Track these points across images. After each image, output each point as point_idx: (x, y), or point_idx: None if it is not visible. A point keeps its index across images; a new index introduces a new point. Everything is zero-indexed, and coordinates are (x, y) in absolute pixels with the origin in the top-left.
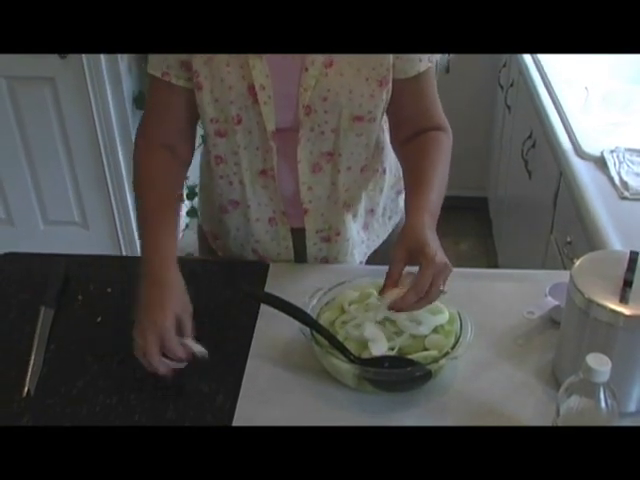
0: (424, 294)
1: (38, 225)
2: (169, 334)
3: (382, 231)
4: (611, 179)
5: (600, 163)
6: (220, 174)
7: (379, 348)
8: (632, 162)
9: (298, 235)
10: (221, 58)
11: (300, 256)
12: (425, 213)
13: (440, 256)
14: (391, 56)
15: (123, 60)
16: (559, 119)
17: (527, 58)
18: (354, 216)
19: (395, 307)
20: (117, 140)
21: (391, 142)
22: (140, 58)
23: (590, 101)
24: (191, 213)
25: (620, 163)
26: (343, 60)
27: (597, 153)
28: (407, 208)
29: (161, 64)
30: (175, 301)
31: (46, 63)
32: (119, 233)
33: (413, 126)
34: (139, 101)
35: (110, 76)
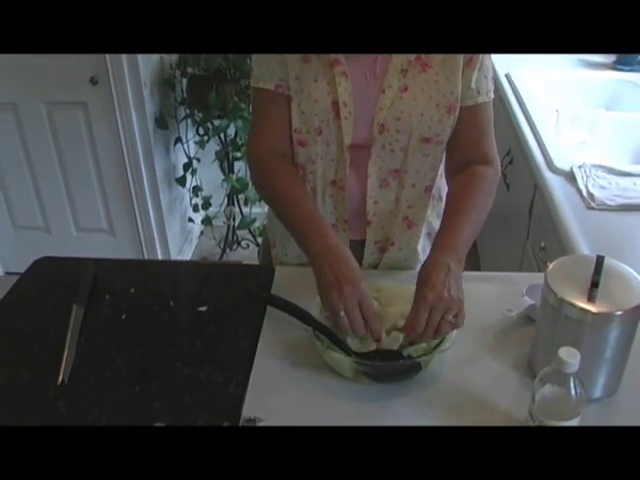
0: (427, 332)
1: (71, 232)
2: (368, 295)
3: None
4: (579, 191)
5: (570, 177)
6: (303, 180)
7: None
8: (597, 176)
9: (355, 245)
10: (310, 75)
11: None
12: (446, 252)
13: (445, 292)
14: (460, 86)
15: (146, 86)
16: (534, 138)
17: (506, 85)
18: (412, 231)
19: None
20: (140, 156)
21: (445, 171)
22: (161, 84)
23: (561, 123)
24: (206, 221)
25: (587, 177)
26: (417, 86)
27: (567, 168)
28: (433, 244)
29: (273, 78)
30: (357, 269)
31: (79, 89)
32: (141, 239)
33: (464, 155)
34: (160, 122)
35: (135, 100)
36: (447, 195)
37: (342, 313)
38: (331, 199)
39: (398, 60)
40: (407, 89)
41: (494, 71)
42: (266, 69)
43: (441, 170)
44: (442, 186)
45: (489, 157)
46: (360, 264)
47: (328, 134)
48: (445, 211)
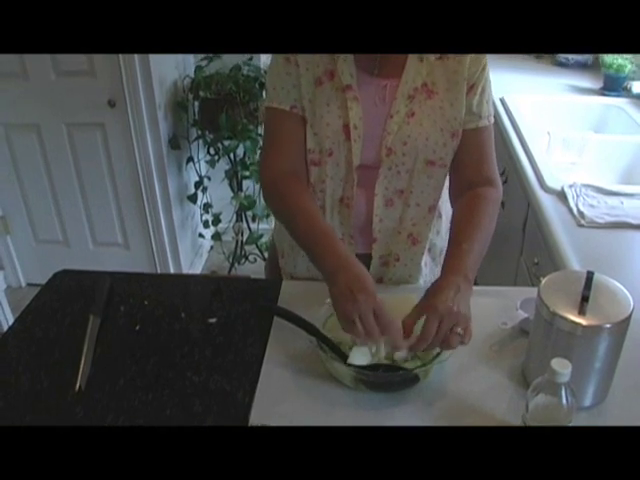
0: (435, 342)
1: (88, 245)
2: (382, 306)
3: (438, 270)
4: (570, 210)
5: (561, 196)
6: (315, 199)
7: (358, 359)
8: (587, 195)
9: (360, 258)
10: (323, 98)
11: None
12: (455, 274)
13: (454, 307)
14: (463, 112)
15: (161, 109)
16: (527, 159)
17: (500, 109)
18: (416, 247)
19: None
20: (154, 175)
21: (449, 193)
22: (174, 107)
23: (552, 144)
24: (215, 237)
25: (577, 196)
26: (423, 112)
27: (558, 188)
28: (443, 267)
29: (289, 99)
30: (372, 283)
31: (98, 111)
32: (154, 253)
33: (466, 177)
34: (173, 142)
35: (150, 122)
36: (453, 217)
37: (357, 320)
38: (338, 215)
39: (406, 87)
40: (414, 115)
41: None
42: (281, 90)
43: (444, 191)
44: (442, 204)
45: (491, 179)
46: None
47: (338, 155)
48: (452, 234)
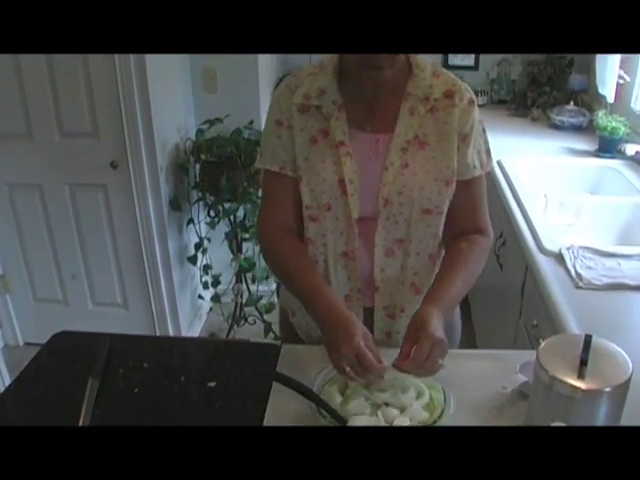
0: (423, 365)
1: (87, 305)
2: (363, 349)
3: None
4: (568, 272)
5: (559, 258)
6: (309, 254)
7: (358, 421)
8: (585, 257)
9: (368, 312)
10: (318, 156)
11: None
12: (437, 305)
13: (438, 335)
14: (455, 161)
15: (162, 171)
16: (524, 221)
17: (497, 172)
18: (420, 297)
19: (398, 365)
20: (155, 236)
21: (442, 238)
22: (176, 169)
23: (549, 206)
24: (215, 298)
25: (575, 258)
26: (417, 163)
27: (556, 250)
28: (425, 297)
29: (277, 161)
30: (361, 328)
31: (100, 173)
32: (154, 314)
33: (459, 225)
34: (174, 204)
35: (151, 184)
36: (443, 258)
37: (347, 368)
38: (344, 270)
39: (399, 140)
40: (407, 165)
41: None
42: (271, 152)
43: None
44: (441, 252)
45: (482, 227)
46: (371, 330)
47: (336, 209)
48: (439, 270)
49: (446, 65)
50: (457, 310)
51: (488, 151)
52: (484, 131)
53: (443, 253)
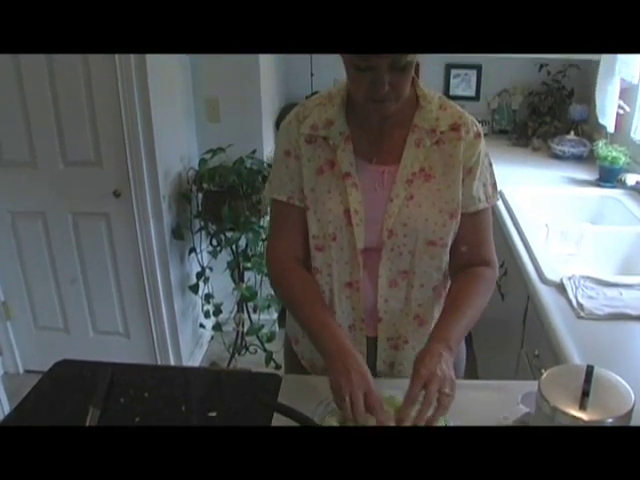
0: (430, 404)
1: (88, 333)
2: (373, 388)
3: None
4: (570, 302)
5: (560, 288)
6: (318, 286)
7: None
8: (586, 287)
9: (371, 342)
10: (324, 186)
11: (370, 361)
12: (442, 343)
13: (437, 370)
14: (460, 193)
15: (165, 200)
16: (526, 251)
17: (499, 203)
18: (423, 329)
19: (400, 418)
20: (157, 265)
21: (448, 270)
22: (178, 198)
23: (550, 236)
24: (216, 327)
25: (576, 288)
26: (421, 195)
27: (557, 280)
28: (430, 335)
29: (285, 190)
30: (367, 369)
31: (103, 201)
32: (155, 342)
33: (465, 257)
34: (176, 233)
35: (154, 213)
36: (448, 291)
37: (347, 398)
38: (348, 300)
39: (404, 172)
40: (412, 198)
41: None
42: (279, 182)
43: (446, 272)
44: (446, 284)
45: (487, 259)
46: (374, 361)
47: (342, 239)
48: (444, 306)
49: (447, 95)
50: (462, 344)
51: (494, 184)
52: (490, 164)
53: (449, 285)
